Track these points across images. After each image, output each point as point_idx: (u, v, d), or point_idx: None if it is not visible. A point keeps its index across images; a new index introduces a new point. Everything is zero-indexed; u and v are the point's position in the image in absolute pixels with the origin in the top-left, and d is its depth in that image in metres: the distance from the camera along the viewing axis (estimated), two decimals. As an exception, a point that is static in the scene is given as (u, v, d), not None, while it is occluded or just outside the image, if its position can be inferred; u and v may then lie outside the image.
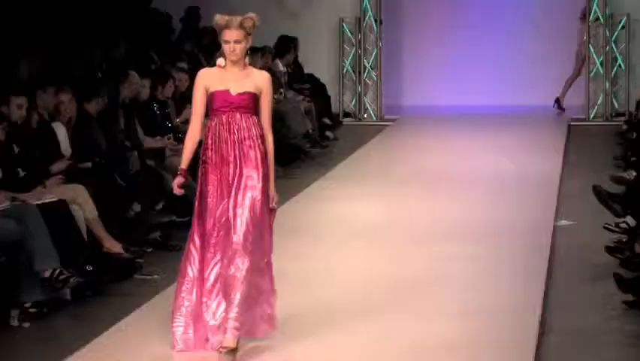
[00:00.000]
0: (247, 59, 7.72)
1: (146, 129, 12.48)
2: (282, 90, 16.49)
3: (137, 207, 11.21)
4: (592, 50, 18.68)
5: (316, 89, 17.73)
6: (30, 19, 14.38)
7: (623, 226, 10.73)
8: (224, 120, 7.63)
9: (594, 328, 8.76)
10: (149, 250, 10.85)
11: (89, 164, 11.05)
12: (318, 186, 14.01)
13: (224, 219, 7.64)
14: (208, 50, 16.21)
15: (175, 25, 17.88)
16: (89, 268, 9.73)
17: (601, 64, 18.69)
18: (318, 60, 18.66)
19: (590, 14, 18.66)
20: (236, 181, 7.61)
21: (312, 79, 17.99)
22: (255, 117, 7.68)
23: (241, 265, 7.56)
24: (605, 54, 18.70)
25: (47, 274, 9.21)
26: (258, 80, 7.72)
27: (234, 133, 7.62)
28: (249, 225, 7.58)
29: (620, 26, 18.69)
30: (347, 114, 19.07)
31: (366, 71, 19.19)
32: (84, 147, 11.19)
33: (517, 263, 10.52)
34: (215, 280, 7.76)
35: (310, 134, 16.23)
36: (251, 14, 7.67)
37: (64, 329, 9.01)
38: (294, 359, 7.87)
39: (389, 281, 10.07)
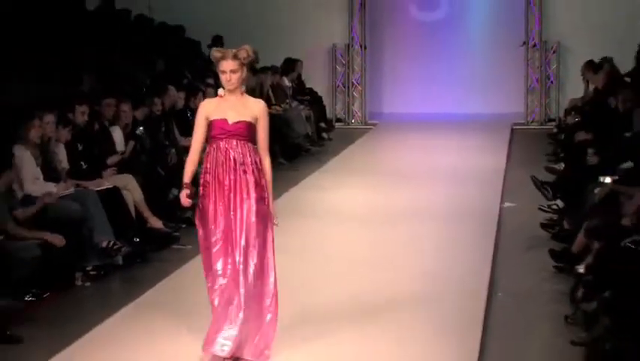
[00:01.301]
0: (243, 88, 6.76)
1: (181, 131, 12.47)
2: (288, 101, 16.50)
3: (174, 192, 11.18)
4: (530, 69, 18.72)
5: (314, 100, 17.72)
6: (91, 45, 14.38)
7: (554, 207, 10.75)
8: (222, 147, 6.67)
9: (531, 288, 8.80)
10: (184, 225, 10.81)
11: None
12: (315, 177, 13.98)
13: (224, 237, 6.69)
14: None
15: (203, 50, 17.82)
16: (136, 240, 9.80)
17: (537, 80, 18.73)
18: (316, 77, 18.64)
19: (528, 42, 18.68)
20: (232, 204, 6.67)
21: (311, 92, 17.98)
22: (250, 144, 6.72)
23: (241, 289, 6.64)
24: (541, 73, 18.73)
25: (104, 244, 9.28)
26: (254, 109, 6.74)
27: (230, 159, 6.66)
28: (246, 249, 6.65)
29: (552, 51, 18.69)
30: (338, 120, 19.04)
31: (354, 86, 19.19)
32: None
33: (471, 237, 10.50)
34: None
35: (310, 136, 16.24)
36: (245, 46, 6.71)
37: (117, 288, 9.05)
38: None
39: (369, 250, 10.15)
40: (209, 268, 6.78)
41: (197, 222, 6.86)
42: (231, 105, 6.71)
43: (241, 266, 6.64)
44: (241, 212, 6.67)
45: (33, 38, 13.41)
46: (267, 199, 6.79)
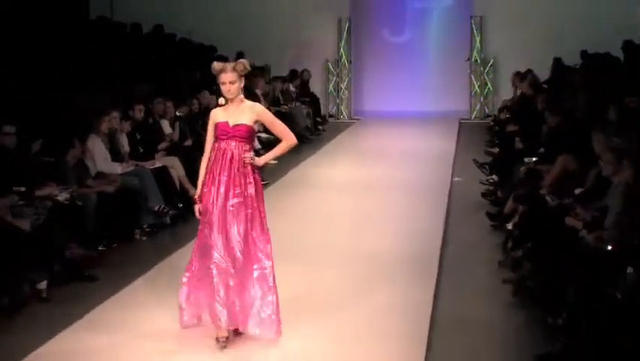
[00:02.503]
0: (242, 96, 5.90)
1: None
2: (293, 102, 16.50)
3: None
4: (473, 78, 18.65)
5: (312, 101, 17.67)
6: (146, 61, 14.36)
7: (491, 180, 10.76)
8: (222, 146, 5.81)
9: (473, 241, 8.79)
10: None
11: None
12: (314, 158, 13.92)
13: (219, 228, 5.78)
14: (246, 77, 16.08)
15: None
16: (180, 205, 9.77)
17: (479, 87, 18.68)
18: (314, 84, 18.57)
19: (472, 58, 18.62)
20: (225, 198, 5.75)
21: (311, 95, 17.93)
22: (247, 145, 5.85)
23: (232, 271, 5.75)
24: (481, 81, 18.64)
25: (156, 208, 9.29)
26: (253, 112, 5.88)
27: (227, 158, 5.78)
28: (237, 239, 5.76)
29: (489, 65, 18.61)
30: (331, 116, 18.96)
31: (342, 90, 19.13)
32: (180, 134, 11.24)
33: (430, 202, 10.49)
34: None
35: (309, 128, 16.18)
36: (241, 60, 5.96)
37: (168, 241, 9.00)
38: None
39: (353, 210, 10.18)
40: (197, 255, 5.93)
41: (197, 213, 5.95)
42: (233, 111, 5.87)
43: (236, 253, 5.74)
44: (234, 205, 5.76)
45: (102, 58, 13.42)
46: (261, 194, 5.89)
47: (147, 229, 9.11)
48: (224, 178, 5.78)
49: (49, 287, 6.98)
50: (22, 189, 7.70)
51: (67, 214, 7.80)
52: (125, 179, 9.15)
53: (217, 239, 5.76)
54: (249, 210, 5.80)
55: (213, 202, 5.78)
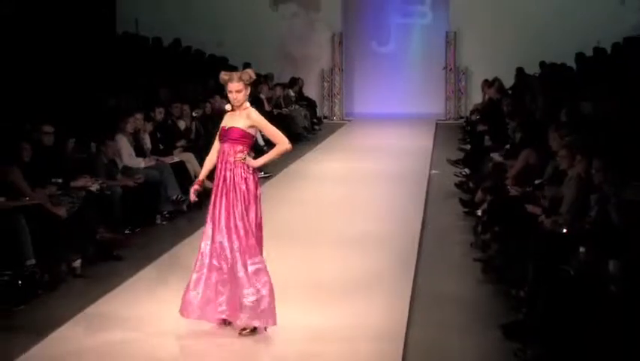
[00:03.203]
0: (247, 103, 5.49)
1: (224, 124, 12.44)
2: (293, 105, 16.46)
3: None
4: (448, 85, 18.59)
5: (310, 104, 17.63)
6: (165, 70, 14.33)
7: (464, 173, 10.76)
8: (220, 148, 5.50)
9: (448, 224, 8.80)
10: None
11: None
12: (311, 154, 13.88)
13: (215, 221, 5.44)
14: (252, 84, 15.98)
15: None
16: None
17: (452, 92, 18.61)
18: (311, 89, 18.52)
19: (447, 66, 18.58)
20: (223, 194, 5.40)
21: (308, 99, 17.88)
22: (240, 146, 5.42)
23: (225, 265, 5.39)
24: (455, 87, 18.59)
25: (174, 197, 9.23)
26: (249, 119, 5.44)
27: (225, 158, 5.43)
28: (229, 231, 5.35)
29: (462, 73, 18.56)
30: (325, 117, 18.90)
31: (335, 95, 19.08)
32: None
33: (410, 192, 10.48)
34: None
35: (307, 128, 16.13)
36: (248, 70, 5.59)
37: (184, 225, 8.93)
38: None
39: (345, 198, 10.14)
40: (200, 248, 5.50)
41: (192, 195, 5.76)
42: (236, 116, 5.49)
43: (226, 245, 5.34)
44: (227, 200, 5.37)
45: (128, 67, 13.40)
46: (252, 191, 5.42)
47: (167, 215, 9.08)
48: (221, 175, 5.43)
49: (83, 266, 6.99)
50: (60, 180, 7.71)
51: (98, 203, 7.80)
52: (148, 172, 9.13)
53: (208, 230, 5.43)
54: (240, 206, 5.34)
55: (216, 200, 5.43)
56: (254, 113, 5.50)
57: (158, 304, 6.10)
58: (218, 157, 5.53)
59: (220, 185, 5.44)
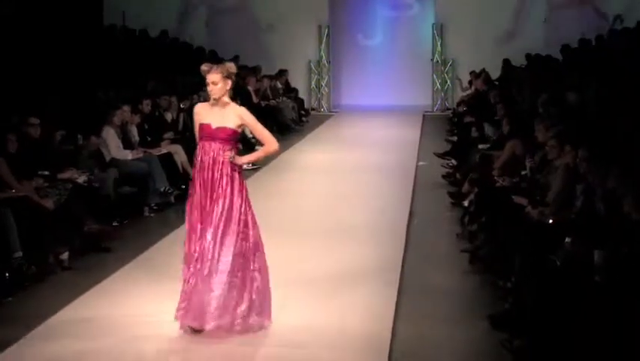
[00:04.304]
0: (226, 98, 5.29)
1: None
2: (280, 97, 16.41)
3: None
4: (435, 76, 18.61)
5: (297, 96, 17.61)
6: (153, 63, 14.24)
7: (451, 164, 10.78)
8: (207, 146, 5.24)
9: (436, 216, 8.82)
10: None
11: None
12: (299, 145, 13.87)
13: (202, 226, 5.23)
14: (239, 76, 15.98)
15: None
16: (183, 186, 9.67)
17: (439, 83, 18.65)
18: (298, 81, 18.48)
19: (434, 58, 18.57)
20: (209, 196, 5.21)
21: (295, 91, 17.85)
22: (227, 146, 5.24)
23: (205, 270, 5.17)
24: (442, 79, 18.63)
25: (162, 189, 9.19)
26: (237, 117, 5.28)
27: (210, 158, 5.22)
28: (215, 233, 5.17)
29: (449, 65, 18.59)
30: (313, 109, 18.88)
31: (322, 87, 19.05)
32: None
33: (398, 183, 10.50)
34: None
35: (294, 119, 16.10)
36: (227, 63, 5.40)
37: (172, 217, 8.89)
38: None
39: (332, 189, 10.16)
40: (187, 248, 5.30)
41: (187, 208, 5.36)
42: (217, 112, 5.28)
43: (211, 246, 5.16)
44: (215, 203, 5.19)
45: (115, 59, 13.31)
46: (241, 191, 5.26)
47: (154, 207, 9.04)
48: (208, 176, 5.21)
49: (71, 258, 6.95)
50: (46, 173, 7.66)
51: (86, 195, 7.75)
52: (136, 164, 9.08)
53: (197, 230, 5.23)
54: (226, 207, 5.17)
55: (200, 202, 5.23)
56: (246, 115, 5.32)
57: (145, 297, 6.07)
58: (201, 155, 5.26)
59: (209, 186, 5.20)
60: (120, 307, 5.87)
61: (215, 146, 5.25)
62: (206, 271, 5.15)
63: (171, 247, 7.37)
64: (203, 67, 5.35)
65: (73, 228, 7.23)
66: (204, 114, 5.35)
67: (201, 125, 5.32)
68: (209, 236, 5.17)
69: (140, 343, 5.24)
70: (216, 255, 5.16)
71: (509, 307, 5.38)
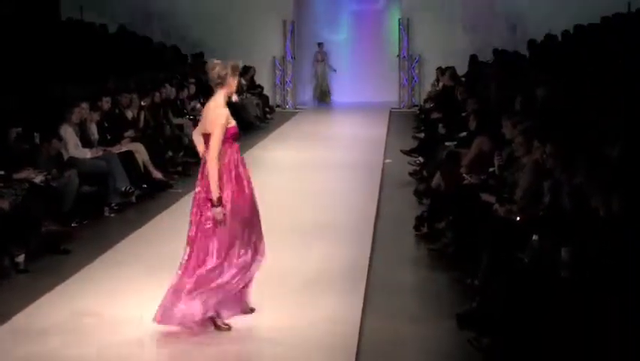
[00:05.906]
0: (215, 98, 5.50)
1: (174, 113, 12.30)
2: (245, 94, 16.35)
3: (169, 153, 11.08)
4: (402, 73, 18.69)
5: (261, 93, 17.57)
6: (114, 58, 14.07)
7: (418, 162, 10.82)
8: (235, 147, 5.54)
9: (402, 213, 8.80)
10: (176, 176, 10.70)
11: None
12: (263, 142, 13.86)
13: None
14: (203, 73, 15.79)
15: (189, 60, 17.48)
16: (144, 186, 9.61)
17: (406, 80, 18.70)
18: (263, 77, 18.41)
19: (401, 55, 18.63)
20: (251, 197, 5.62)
21: (259, 87, 17.80)
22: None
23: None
24: (408, 75, 18.69)
25: (123, 189, 9.08)
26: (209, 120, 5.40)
27: (238, 157, 5.51)
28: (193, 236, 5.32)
29: (415, 60, 18.67)
30: (277, 106, 18.87)
31: (287, 83, 19.01)
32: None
33: (365, 180, 10.52)
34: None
35: (259, 116, 16.08)
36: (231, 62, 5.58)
37: (134, 217, 8.82)
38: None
39: (298, 187, 10.14)
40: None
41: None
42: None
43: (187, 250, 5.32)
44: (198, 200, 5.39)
45: (73, 55, 13.13)
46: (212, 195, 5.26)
47: (115, 207, 8.94)
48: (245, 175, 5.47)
49: (27, 260, 6.84)
50: (2, 172, 7.52)
51: (43, 195, 7.63)
52: (95, 163, 8.97)
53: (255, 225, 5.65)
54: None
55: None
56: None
57: (106, 298, 6.00)
58: (232, 158, 5.36)
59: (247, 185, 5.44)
60: (79, 310, 5.78)
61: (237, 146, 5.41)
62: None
63: (133, 248, 7.31)
64: (235, 66, 5.48)
65: (29, 229, 7.11)
66: (229, 117, 5.36)
67: (231, 128, 5.37)
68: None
69: (102, 347, 5.18)
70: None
71: (476, 306, 5.42)
